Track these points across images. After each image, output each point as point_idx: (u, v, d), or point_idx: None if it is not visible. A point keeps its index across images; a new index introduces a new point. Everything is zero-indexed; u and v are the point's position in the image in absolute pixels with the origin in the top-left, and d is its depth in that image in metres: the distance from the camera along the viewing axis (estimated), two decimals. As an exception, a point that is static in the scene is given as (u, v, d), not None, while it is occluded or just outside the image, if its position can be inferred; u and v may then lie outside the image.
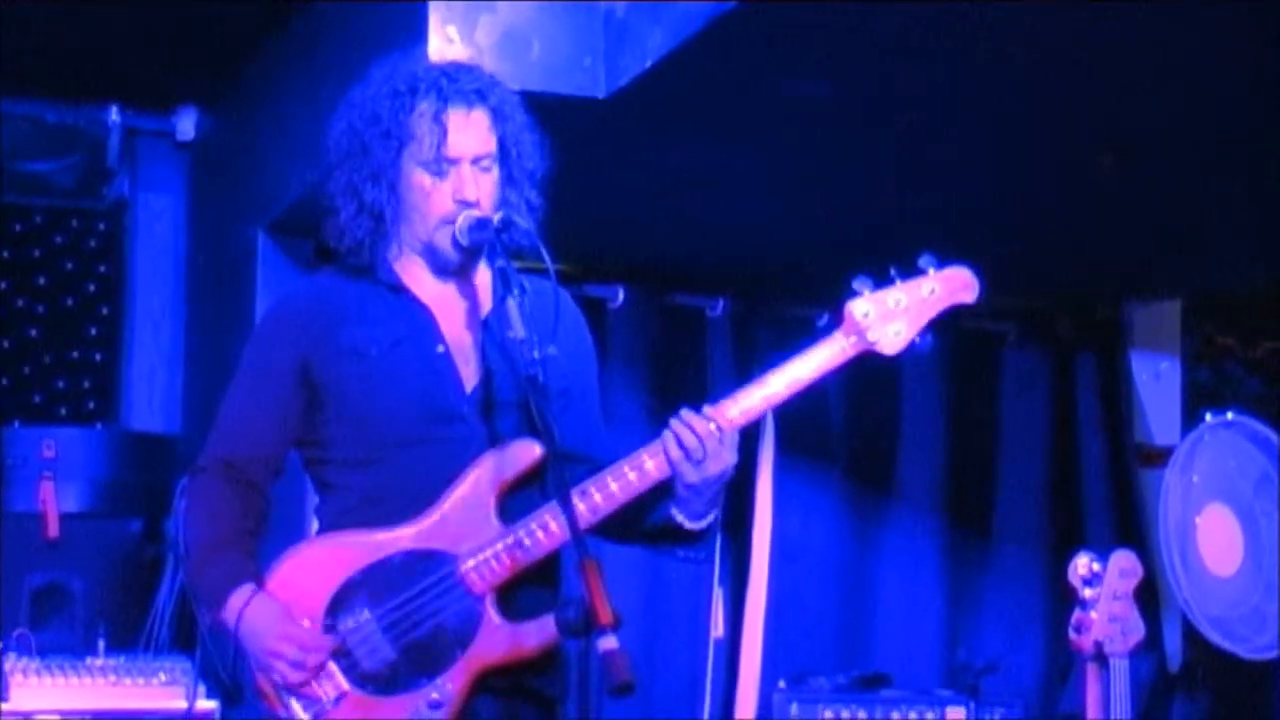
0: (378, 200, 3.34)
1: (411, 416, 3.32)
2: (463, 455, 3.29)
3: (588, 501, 3.22)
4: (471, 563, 3.24)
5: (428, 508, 3.28)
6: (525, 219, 3.33)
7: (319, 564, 3.32)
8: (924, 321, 3.33)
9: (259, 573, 3.34)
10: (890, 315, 3.30)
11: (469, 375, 3.35)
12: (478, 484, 3.28)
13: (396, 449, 3.32)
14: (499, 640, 3.25)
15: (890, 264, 3.34)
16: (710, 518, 3.33)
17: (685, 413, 3.24)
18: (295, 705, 3.28)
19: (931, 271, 3.32)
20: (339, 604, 3.29)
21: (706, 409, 3.24)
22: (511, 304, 3.19)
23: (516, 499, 3.29)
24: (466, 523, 3.26)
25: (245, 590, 3.30)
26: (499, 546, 3.24)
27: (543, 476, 3.31)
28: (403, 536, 3.28)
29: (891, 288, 3.31)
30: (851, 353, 3.31)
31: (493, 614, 3.25)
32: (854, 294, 3.30)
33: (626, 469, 3.24)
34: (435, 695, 3.23)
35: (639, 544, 3.44)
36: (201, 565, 3.41)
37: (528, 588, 3.29)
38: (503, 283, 3.23)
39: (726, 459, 3.24)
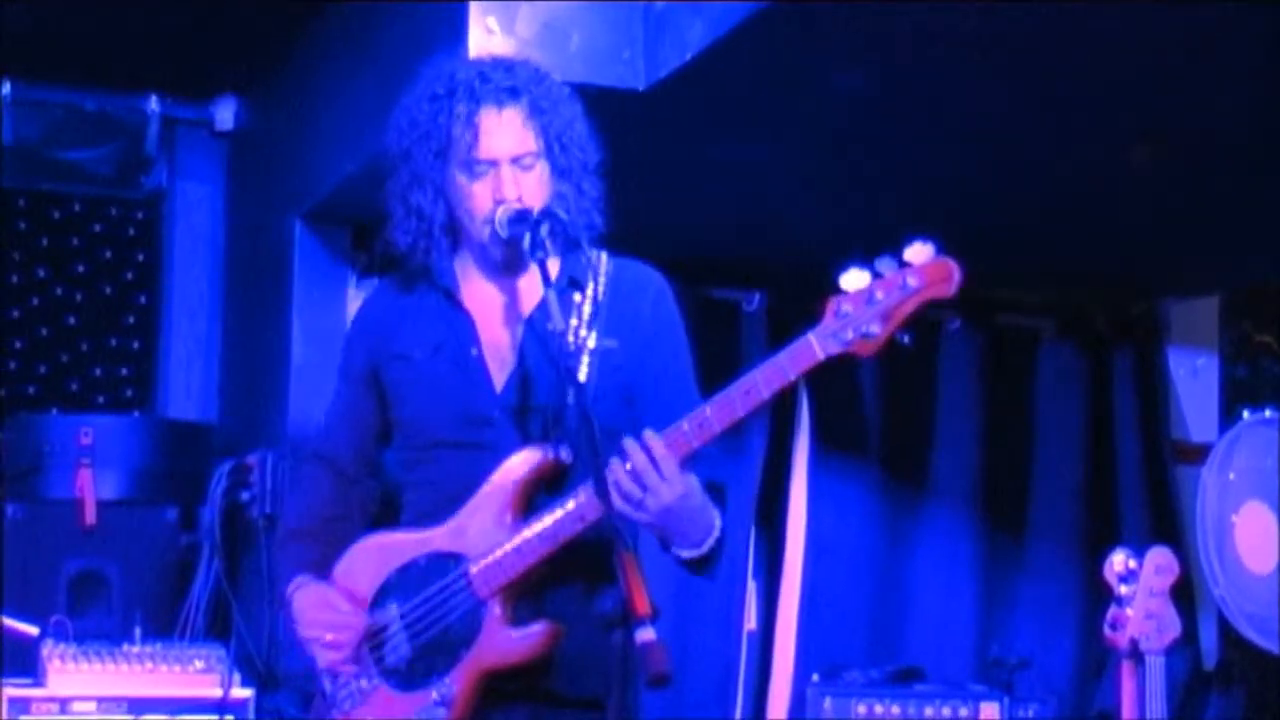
0: (422, 204, 3.37)
1: (446, 420, 3.38)
2: (492, 458, 3.32)
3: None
4: (478, 566, 3.28)
5: (457, 510, 3.33)
6: (565, 211, 3.32)
7: (368, 560, 3.42)
8: (901, 319, 3.13)
9: (328, 561, 3.45)
10: (867, 315, 3.12)
11: (501, 378, 3.38)
12: (494, 488, 3.31)
13: (436, 450, 3.40)
14: (498, 644, 3.28)
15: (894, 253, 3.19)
16: (708, 543, 3.27)
17: (613, 460, 3.13)
18: (338, 695, 3.40)
19: (914, 264, 3.13)
20: (379, 600, 3.38)
21: (647, 434, 3.12)
22: (551, 296, 3.20)
23: (535, 503, 3.30)
24: (481, 526, 3.30)
25: (302, 578, 3.45)
26: (502, 551, 3.26)
27: (556, 481, 3.30)
28: (432, 537, 3.35)
29: (872, 283, 3.14)
30: (822, 356, 3.15)
31: (497, 617, 3.28)
32: (839, 290, 3.16)
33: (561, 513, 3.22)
34: (436, 695, 3.29)
35: None
36: (281, 548, 3.58)
37: (545, 592, 3.31)
38: (542, 275, 3.23)
39: (664, 496, 3.11)
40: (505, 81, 3.35)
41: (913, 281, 3.11)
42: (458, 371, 3.38)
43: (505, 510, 3.29)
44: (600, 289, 3.35)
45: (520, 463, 3.30)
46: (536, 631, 3.26)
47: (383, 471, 3.61)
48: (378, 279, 3.64)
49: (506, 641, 3.27)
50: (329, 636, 3.35)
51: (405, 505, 3.49)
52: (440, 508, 3.35)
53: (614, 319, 3.36)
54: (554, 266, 3.33)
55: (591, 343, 3.32)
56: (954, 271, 3.13)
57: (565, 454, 3.28)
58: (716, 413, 3.15)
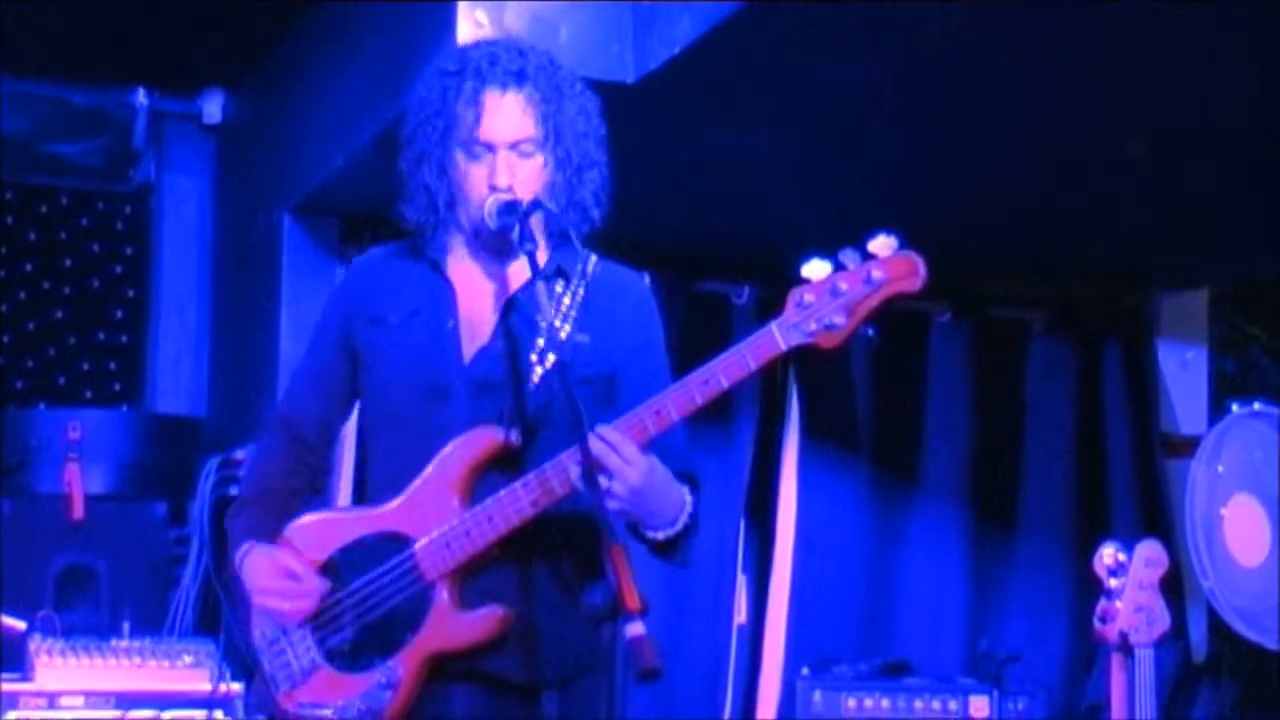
0: (425, 182, 3.35)
1: (409, 391, 3.34)
2: (445, 435, 3.28)
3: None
4: (423, 548, 3.25)
5: (404, 488, 3.29)
6: (557, 202, 3.31)
7: (313, 537, 3.36)
8: (865, 313, 3.09)
9: (277, 532, 3.39)
10: (831, 307, 3.09)
11: (471, 352, 3.35)
12: (443, 467, 3.27)
13: (396, 424, 3.37)
14: (446, 627, 3.25)
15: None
16: (681, 519, 3.25)
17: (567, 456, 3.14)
18: (273, 672, 3.36)
19: (879, 256, 3.11)
20: (323, 578, 3.32)
21: (600, 426, 3.11)
22: (540, 287, 3.20)
23: (484, 485, 3.26)
24: (429, 507, 3.26)
25: (250, 543, 3.38)
26: (449, 534, 3.23)
27: (507, 464, 3.26)
28: (378, 516, 3.31)
29: (835, 275, 3.10)
30: (785, 348, 3.12)
31: (444, 600, 3.24)
32: (801, 281, 3.12)
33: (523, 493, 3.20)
34: (382, 678, 3.25)
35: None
36: (235, 515, 3.50)
37: (500, 575, 3.27)
38: (532, 267, 3.23)
39: (630, 477, 3.09)
40: (514, 65, 3.33)
41: (878, 275, 3.09)
42: (429, 340, 3.35)
43: (452, 491, 3.25)
44: (582, 286, 3.33)
45: (470, 442, 3.26)
46: (485, 615, 3.23)
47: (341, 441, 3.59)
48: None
49: (455, 625, 3.24)
50: (286, 605, 3.29)
51: (368, 477, 3.46)
52: (394, 483, 3.31)
53: (592, 317, 3.34)
54: (542, 256, 3.32)
55: (564, 335, 3.30)
56: (919, 267, 3.11)
57: (516, 437, 3.24)
58: (675, 401, 3.14)
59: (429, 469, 3.27)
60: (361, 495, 3.48)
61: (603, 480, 3.08)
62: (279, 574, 3.30)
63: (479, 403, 3.29)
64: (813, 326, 3.10)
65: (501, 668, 3.28)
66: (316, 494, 3.52)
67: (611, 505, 3.11)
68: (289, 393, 3.58)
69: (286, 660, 3.35)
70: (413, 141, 3.37)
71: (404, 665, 3.25)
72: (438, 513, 3.25)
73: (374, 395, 3.42)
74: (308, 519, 3.40)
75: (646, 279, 3.52)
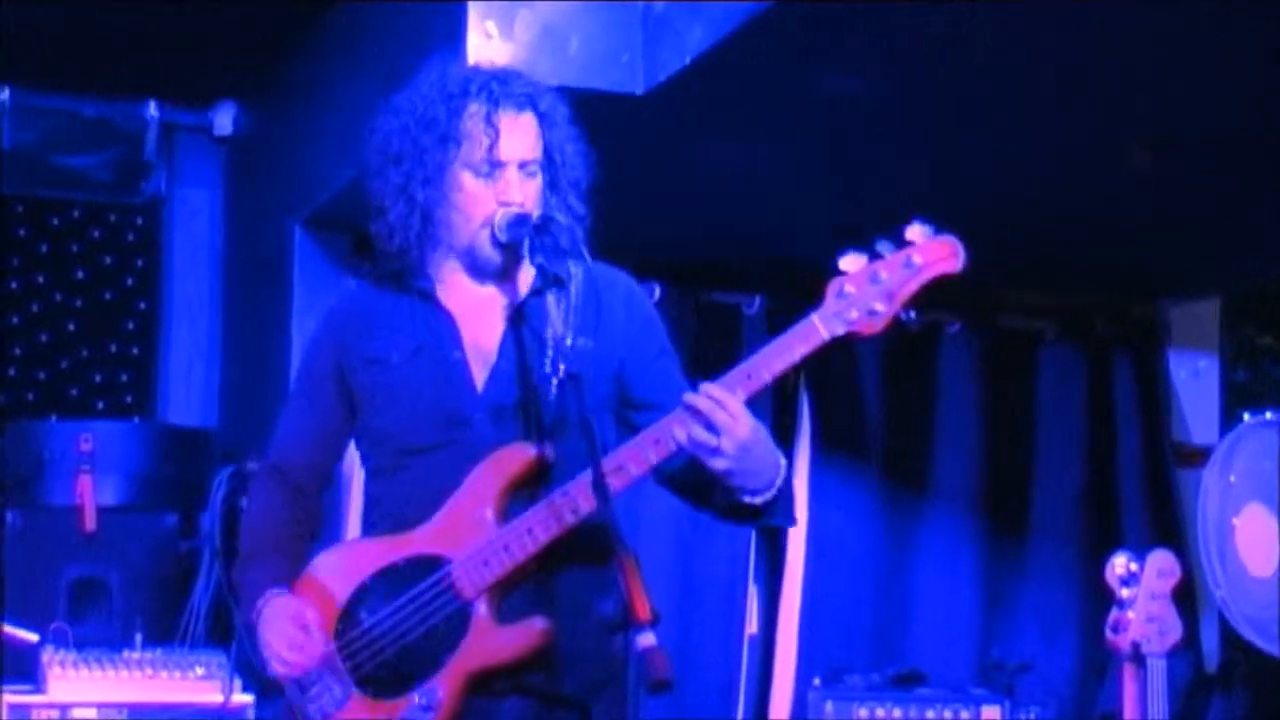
0: (430, 200, 3.34)
1: (427, 424, 3.34)
2: (467, 458, 3.29)
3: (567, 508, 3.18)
4: (460, 566, 3.24)
5: (433, 512, 3.29)
6: (566, 220, 3.32)
7: (337, 570, 3.37)
8: (906, 297, 3.11)
9: (292, 577, 3.40)
10: (871, 295, 3.10)
11: (482, 378, 3.35)
12: (477, 487, 3.27)
13: (415, 456, 3.35)
14: (487, 644, 3.24)
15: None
16: (778, 483, 3.23)
17: (674, 418, 3.13)
18: (307, 703, 3.34)
19: (916, 242, 3.13)
20: (352, 608, 3.33)
21: (703, 385, 3.12)
22: (551, 301, 3.21)
23: (517, 501, 3.26)
24: (465, 526, 3.26)
25: (271, 592, 3.38)
26: (487, 550, 3.22)
27: (540, 478, 3.27)
28: (410, 541, 3.31)
29: (874, 263, 3.12)
30: (827, 336, 3.12)
31: (483, 616, 3.24)
32: (840, 273, 3.13)
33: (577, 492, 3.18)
34: (421, 700, 3.24)
35: (716, 517, 3.38)
36: (243, 568, 3.51)
37: (527, 590, 3.27)
38: (542, 280, 3.24)
39: (739, 432, 3.10)
40: (522, 88, 3.36)
41: (917, 260, 3.12)
42: (438, 375, 3.35)
43: (489, 508, 3.25)
44: (576, 292, 3.34)
45: (503, 460, 3.26)
46: (525, 627, 3.23)
47: (334, 484, 3.57)
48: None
49: (495, 641, 3.23)
50: (287, 654, 3.31)
51: (371, 512, 3.44)
52: (412, 512, 3.31)
53: (589, 320, 3.35)
54: (526, 276, 3.35)
55: (569, 343, 3.30)
56: (958, 248, 3.14)
57: (549, 451, 3.25)
58: (755, 374, 3.13)
59: (460, 490, 3.28)
60: (368, 530, 3.45)
61: (710, 438, 3.08)
62: (294, 622, 3.32)
63: (499, 426, 3.30)
64: (854, 315, 3.11)
65: (548, 682, 3.28)
66: (314, 541, 3.53)
67: (719, 465, 3.12)
68: (280, 441, 3.56)
69: (319, 691, 3.33)
70: (415, 161, 3.35)
71: (444, 685, 3.24)
72: (473, 531, 3.25)
73: (381, 432, 3.40)
74: (332, 551, 3.41)
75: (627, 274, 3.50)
